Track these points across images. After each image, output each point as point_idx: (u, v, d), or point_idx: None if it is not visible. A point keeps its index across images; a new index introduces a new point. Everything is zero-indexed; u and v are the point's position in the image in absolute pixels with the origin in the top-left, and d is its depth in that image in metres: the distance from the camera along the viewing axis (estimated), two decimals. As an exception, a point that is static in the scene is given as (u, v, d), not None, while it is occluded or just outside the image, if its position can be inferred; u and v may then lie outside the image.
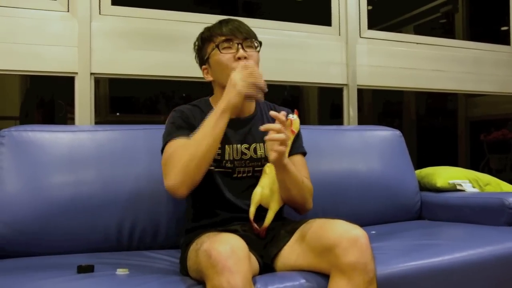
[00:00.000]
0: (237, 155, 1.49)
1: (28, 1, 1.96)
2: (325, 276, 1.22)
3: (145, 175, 1.73)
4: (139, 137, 1.80)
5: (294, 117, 1.46)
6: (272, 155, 1.32)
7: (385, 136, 2.29)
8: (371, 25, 2.68)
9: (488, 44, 3.00)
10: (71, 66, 2.00)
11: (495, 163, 4.36)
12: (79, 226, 1.61)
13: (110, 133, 1.80)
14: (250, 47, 1.49)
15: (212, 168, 1.45)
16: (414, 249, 1.53)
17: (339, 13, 2.58)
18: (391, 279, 1.34)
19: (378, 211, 2.09)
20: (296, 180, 1.41)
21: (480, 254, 1.52)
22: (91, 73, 2.03)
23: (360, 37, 2.61)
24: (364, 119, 3.87)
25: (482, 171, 2.61)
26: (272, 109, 1.63)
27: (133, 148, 1.76)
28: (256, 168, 1.50)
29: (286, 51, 2.42)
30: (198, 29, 1.61)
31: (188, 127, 1.44)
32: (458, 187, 2.16)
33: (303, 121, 1.51)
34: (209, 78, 1.55)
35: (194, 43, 1.60)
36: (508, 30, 3.12)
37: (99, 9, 2.07)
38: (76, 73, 2.00)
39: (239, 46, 1.46)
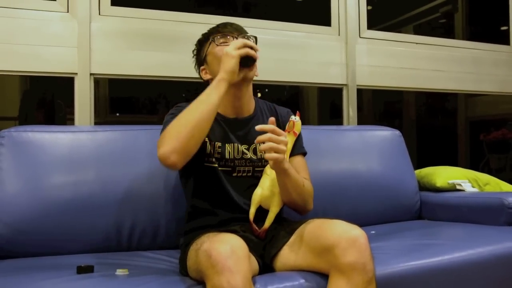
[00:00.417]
0: (237, 154, 1.49)
1: (28, 1, 1.96)
2: (325, 276, 1.22)
3: (145, 175, 1.73)
4: (139, 137, 1.80)
5: (296, 119, 1.45)
6: (269, 163, 1.32)
7: (384, 136, 2.29)
8: (371, 25, 2.68)
9: (488, 44, 3.00)
10: (71, 67, 2.00)
11: (495, 163, 4.36)
12: (79, 227, 1.61)
13: (110, 134, 1.80)
14: None
15: (216, 165, 1.46)
16: (413, 249, 1.54)
17: (338, 13, 2.59)
18: (391, 279, 1.34)
19: (378, 211, 2.09)
20: (297, 183, 1.40)
21: (479, 254, 1.52)
22: (91, 74, 2.03)
23: (360, 37, 2.61)
24: (363, 119, 3.88)
25: (482, 171, 2.61)
26: (271, 109, 1.63)
27: (133, 149, 1.76)
28: (256, 169, 1.50)
29: (286, 51, 2.42)
30: (197, 30, 1.61)
31: None
32: (458, 187, 2.16)
33: (303, 121, 1.51)
34: (207, 76, 1.55)
35: (193, 50, 1.62)
36: (508, 30, 3.12)
37: (99, 9, 2.07)
38: (76, 73, 2.00)
39: (234, 39, 1.47)
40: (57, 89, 3.60)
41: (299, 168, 1.52)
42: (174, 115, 1.40)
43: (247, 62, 1.37)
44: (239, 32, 1.52)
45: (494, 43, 3.04)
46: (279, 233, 1.39)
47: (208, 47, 1.53)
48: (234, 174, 1.49)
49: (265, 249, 1.38)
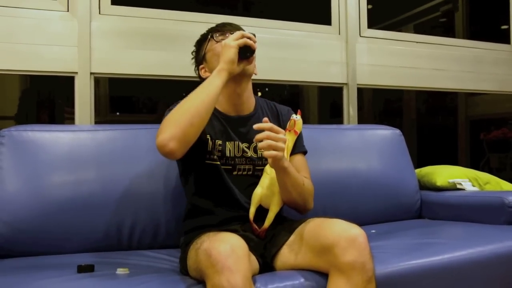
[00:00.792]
0: (238, 152, 1.49)
1: (28, 1, 1.96)
2: (324, 275, 1.22)
3: (145, 174, 1.73)
4: (139, 136, 1.80)
5: (297, 118, 1.44)
6: (268, 161, 1.32)
7: (385, 135, 2.29)
8: (371, 24, 2.68)
9: (488, 43, 3.00)
10: (71, 66, 2.00)
11: (495, 162, 4.36)
12: (79, 226, 1.61)
13: (110, 133, 1.80)
14: None
15: (218, 163, 1.46)
16: (414, 248, 1.54)
17: (339, 12, 2.58)
18: (391, 278, 1.34)
19: (378, 210, 2.09)
20: (297, 182, 1.40)
21: (480, 253, 1.52)
22: (91, 73, 2.03)
23: (360, 36, 2.61)
24: (364, 118, 3.88)
25: (482, 170, 2.61)
26: (272, 107, 1.63)
27: (133, 148, 1.76)
28: (256, 167, 1.50)
29: (286, 50, 2.42)
30: (198, 29, 1.61)
31: None
32: (458, 186, 2.16)
33: (303, 121, 1.50)
34: (206, 75, 1.54)
35: (192, 52, 1.62)
36: (508, 29, 3.12)
37: (99, 8, 2.07)
38: (76, 72, 2.00)
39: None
40: (56, 89, 3.60)
41: (299, 167, 1.52)
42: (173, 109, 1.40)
43: (245, 53, 1.37)
44: (238, 30, 1.51)
45: (494, 42, 3.04)
46: (279, 232, 1.39)
47: (207, 45, 1.54)
48: (235, 173, 1.49)
49: (265, 248, 1.38)
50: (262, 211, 1.42)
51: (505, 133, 4.31)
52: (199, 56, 1.58)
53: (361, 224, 1.23)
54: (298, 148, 1.56)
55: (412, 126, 5.02)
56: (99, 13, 2.06)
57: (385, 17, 4.48)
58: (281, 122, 1.58)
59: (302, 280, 1.22)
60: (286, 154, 1.39)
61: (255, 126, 1.30)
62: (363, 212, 2.05)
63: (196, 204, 1.51)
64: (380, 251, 1.43)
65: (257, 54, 1.43)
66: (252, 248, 1.29)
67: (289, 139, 1.41)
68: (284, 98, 4.87)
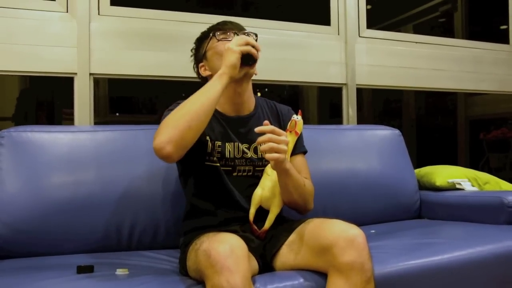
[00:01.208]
0: (238, 153, 1.48)
1: (27, 1, 1.96)
2: (324, 275, 1.22)
3: (144, 175, 1.73)
4: (139, 137, 1.80)
5: (298, 118, 1.43)
6: (271, 163, 1.32)
7: (384, 135, 2.29)
8: (370, 25, 2.68)
9: (487, 43, 3.00)
10: (70, 67, 2.00)
11: (495, 162, 4.36)
12: (78, 226, 1.61)
13: (110, 133, 1.80)
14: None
15: (217, 165, 1.45)
16: (413, 248, 1.54)
17: (338, 12, 2.59)
18: (391, 278, 1.34)
19: (378, 210, 2.09)
20: (298, 184, 1.40)
21: (479, 253, 1.52)
22: (90, 74, 2.03)
23: (359, 36, 2.61)
24: (363, 118, 3.88)
25: (482, 170, 2.61)
26: (272, 107, 1.62)
27: (133, 148, 1.76)
28: (257, 168, 1.50)
29: (285, 50, 2.42)
30: (197, 29, 1.61)
31: None
32: (458, 186, 2.16)
33: (303, 121, 1.49)
34: (206, 73, 1.54)
35: (191, 49, 1.61)
36: (507, 29, 3.12)
37: (98, 9, 2.07)
38: (75, 73, 2.00)
39: (235, 35, 1.47)
40: (55, 90, 3.60)
41: (300, 167, 1.51)
42: (172, 110, 1.38)
43: (248, 60, 1.36)
44: (239, 29, 1.52)
45: (493, 42, 3.04)
46: (279, 232, 1.39)
47: (208, 43, 1.53)
48: (235, 174, 1.48)
49: (265, 249, 1.38)
50: (262, 212, 1.41)
51: (505, 133, 4.31)
52: (199, 54, 1.57)
53: (360, 224, 1.24)
54: (299, 148, 1.56)
55: (412, 126, 5.02)
56: (98, 14, 2.07)
57: (384, 18, 4.48)
58: (281, 122, 1.58)
59: (301, 280, 1.22)
60: (287, 155, 1.39)
61: (257, 129, 1.29)
62: (363, 212, 2.05)
63: (195, 205, 1.51)
64: (379, 251, 1.43)
65: (256, 54, 1.43)
66: (252, 248, 1.29)
67: (290, 140, 1.40)
68: (283, 98, 4.87)
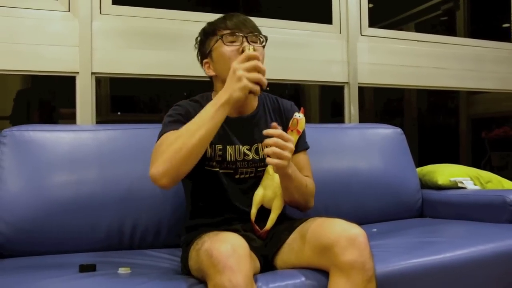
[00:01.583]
0: (239, 156, 1.46)
1: (29, 1, 1.97)
2: (325, 274, 1.22)
3: (146, 174, 1.70)
4: (141, 136, 1.80)
5: (300, 116, 1.40)
6: (273, 167, 1.31)
7: (386, 134, 2.29)
8: (372, 23, 2.67)
9: (489, 42, 3.00)
10: (72, 66, 2.00)
11: (497, 161, 4.35)
12: (80, 225, 1.62)
13: (111, 133, 1.80)
14: (255, 42, 1.47)
15: (217, 169, 1.44)
16: (415, 246, 1.54)
17: (340, 11, 2.58)
18: (393, 276, 1.34)
19: (380, 209, 2.09)
20: (300, 185, 1.39)
21: (481, 252, 1.52)
22: (92, 73, 2.03)
23: (361, 35, 2.61)
24: (365, 117, 3.87)
25: (484, 168, 2.61)
26: (274, 102, 1.59)
27: (135, 147, 1.76)
28: (259, 169, 1.48)
29: (287, 49, 2.42)
30: (199, 28, 1.60)
31: (185, 122, 1.34)
32: (460, 185, 2.15)
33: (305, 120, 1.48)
34: (210, 72, 1.50)
35: (196, 38, 1.56)
36: (509, 27, 3.12)
37: (100, 8, 2.07)
38: (77, 72, 2.01)
39: (244, 39, 1.43)
40: (55, 89, 3.60)
41: (302, 165, 1.50)
42: (173, 120, 1.38)
43: (255, 88, 1.26)
44: (248, 29, 1.46)
45: (495, 40, 3.03)
46: (280, 231, 1.38)
47: (215, 43, 1.47)
48: (237, 176, 1.47)
49: (266, 247, 1.38)
50: (263, 212, 1.41)
51: (507, 132, 4.30)
52: (204, 49, 1.52)
53: (362, 223, 1.24)
54: (301, 146, 1.54)
55: (414, 125, 5.02)
56: (100, 13, 2.07)
57: (386, 16, 4.47)
58: (284, 118, 1.56)
59: (303, 279, 1.22)
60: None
61: (265, 132, 1.27)
62: (365, 210, 2.04)
63: (196, 205, 1.51)
64: (381, 250, 1.43)
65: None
66: (253, 247, 1.29)
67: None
68: (285, 97, 4.85)
